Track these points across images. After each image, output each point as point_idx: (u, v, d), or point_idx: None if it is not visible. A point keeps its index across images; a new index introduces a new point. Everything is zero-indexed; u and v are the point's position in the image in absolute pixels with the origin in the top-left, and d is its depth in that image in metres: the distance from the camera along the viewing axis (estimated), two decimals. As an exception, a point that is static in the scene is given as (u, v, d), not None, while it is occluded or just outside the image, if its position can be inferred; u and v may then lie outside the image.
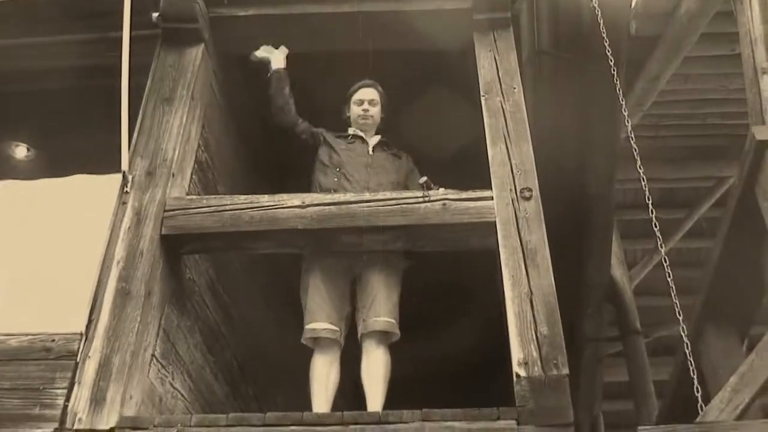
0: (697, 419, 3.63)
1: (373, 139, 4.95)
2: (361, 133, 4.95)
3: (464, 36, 4.84)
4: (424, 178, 4.40)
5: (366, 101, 5.01)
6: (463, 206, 4.05)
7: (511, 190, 4.08)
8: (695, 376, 3.77)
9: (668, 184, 8.36)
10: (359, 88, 5.07)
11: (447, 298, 6.93)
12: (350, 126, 5.02)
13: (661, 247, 4.22)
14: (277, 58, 4.94)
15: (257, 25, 4.97)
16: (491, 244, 3.97)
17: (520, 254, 3.82)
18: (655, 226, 4.20)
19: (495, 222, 3.97)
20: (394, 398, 4.13)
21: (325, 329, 4.37)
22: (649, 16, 5.99)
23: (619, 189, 7.38)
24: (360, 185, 4.60)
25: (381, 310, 4.40)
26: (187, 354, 4.31)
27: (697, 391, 3.72)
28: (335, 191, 4.50)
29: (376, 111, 5.02)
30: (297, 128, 4.86)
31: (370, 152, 4.87)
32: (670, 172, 8.10)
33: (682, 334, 3.93)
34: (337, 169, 4.73)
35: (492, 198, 4.06)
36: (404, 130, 5.11)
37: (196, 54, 4.73)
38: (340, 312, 4.47)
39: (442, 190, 4.21)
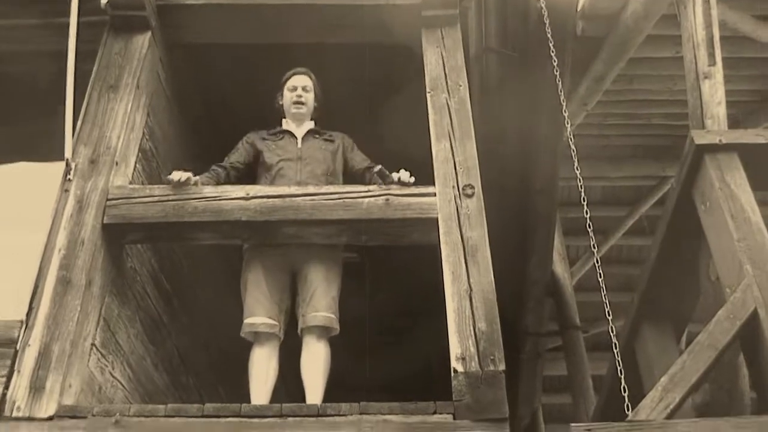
0: (629, 417, 3.71)
1: (302, 129, 4.89)
2: (290, 127, 4.89)
3: (413, 32, 4.87)
4: (379, 167, 4.43)
5: (299, 87, 4.94)
6: (406, 202, 4.09)
7: (453, 186, 4.13)
8: (622, 377, 3.86)
9: (611, 182, 8.47)
10: (292, 74, 4.99)
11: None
12: (283, 115, 4.97)
13: (594, 248, 4.30)
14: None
15: (206, 14, 4.96)
16: (433, 239, 4.01)
17: (461, 251, 3.87)
18: (589, 227, 4.28)
19: (437, 218, 4.02)
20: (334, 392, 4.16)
21: (263, 323, 4.37)
22: (595, 17, 6.06)
23: (563, 186, 7.47)
24: (292, 181, 4.55)
25: (320, 304, 4.39)
26: (128, 343, 4.30)
27: (624, 391, 3.80)
28: None
29: (309, 98, 4.95)
30: (232, 173, 4.72)
31: (299, 145, 4.80)
32: (614, 171, 8.20)
33: (611, 334, 4.01)
34: (270, 171, 4.68)
35: (435, 194, 4.11)
36: (351, 124, 5.12)
37: (143, 42, 4.71)
38: (280, 306, 4.47)
39: (397, 175, 4.22)
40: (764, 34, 5.70)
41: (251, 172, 4.80)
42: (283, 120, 4.96)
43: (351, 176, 4.78)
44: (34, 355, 3.55)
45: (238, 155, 4.81)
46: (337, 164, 4.82)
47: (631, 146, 8.12)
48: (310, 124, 4.94)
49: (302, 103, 4.92)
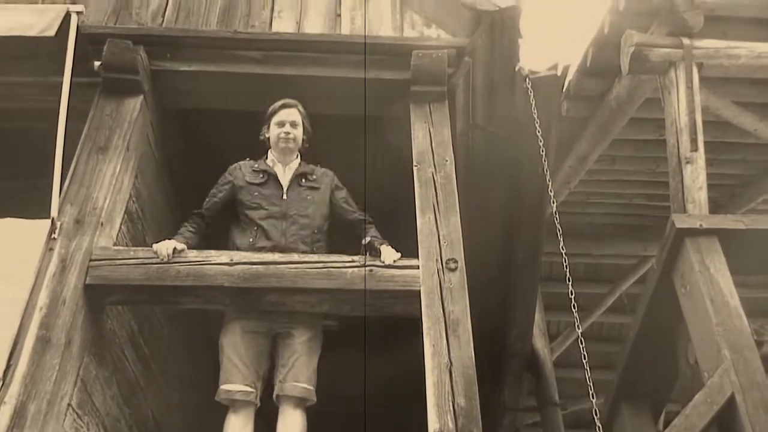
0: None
1: (288, 171, 4.75)
2: (276, 168, 4.75)
3: (402, 105, 4.94)
4: (369, 239, 4.45)
5: (288, 123, 4.78)
6: (389, 273, 4.12)
7: (437, 260, 4.16)
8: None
9: (593, 259, 8.54)
10: (280, 108, 4.82)
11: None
12: (269, 148, 4.83)
13: (578, 327, 4.30)
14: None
15: (199, 80, 5.02)
16: (415, 312, 4.02)
17: (442, 324, 3.89)
18: (574, 307, 4.29)
19: (419, 291, 4.04)
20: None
21: (240, 391, 4.31)
22: (580, 99, 6.17)
23: (546, 261, 7.51)
24: (278, 244, 4.45)
25: (301, 375, 4.35)
26: (104, 405, 4.26)
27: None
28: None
29: (298, 133, 4.80)
30: (212, 218, 4.71)
31: (285, 195, 4.67)
32: (596, 248, 8.26)
33: (594, 414, 3.99)
34: (254, 228, 4.56)
35: (418, 267, 4.14)
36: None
37: (134, 105, 4.76)
38: (258, 371, 4.41)
39: (385, 249, 4.26)
40: (746, 120, 5.79)
41: (230, 209, 4.73)
42: (269, 153, 4.83)
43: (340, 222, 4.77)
44: (9, 413, 3.53)
45: (217, 202, 4.72)
46: (325, 215, 4.71)
47: (613, 225, 8.19)
48: (296, 163, 4.81)
49: (290, 139, 4.77)
